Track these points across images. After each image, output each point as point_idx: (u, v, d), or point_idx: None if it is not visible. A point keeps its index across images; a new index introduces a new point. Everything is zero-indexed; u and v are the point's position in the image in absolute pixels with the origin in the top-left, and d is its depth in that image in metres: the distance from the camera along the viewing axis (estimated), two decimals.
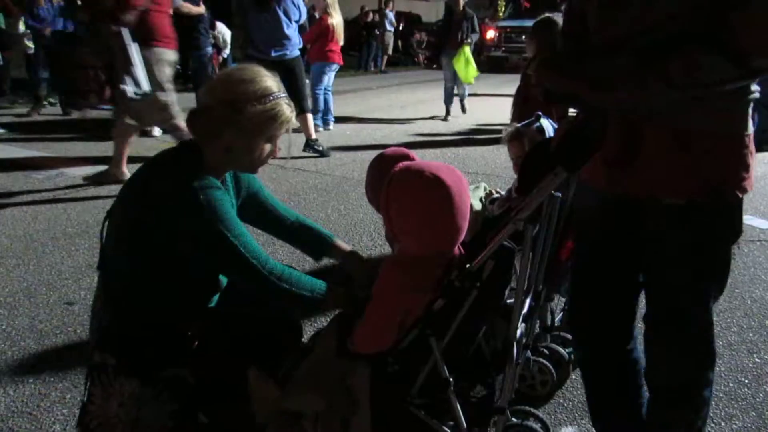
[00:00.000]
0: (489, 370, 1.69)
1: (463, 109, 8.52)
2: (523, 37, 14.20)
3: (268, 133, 1.52)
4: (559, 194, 1.52)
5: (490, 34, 15.72)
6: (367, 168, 1.68)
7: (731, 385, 2.25)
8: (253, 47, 5.73)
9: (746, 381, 2.28)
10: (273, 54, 5.60)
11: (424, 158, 1.63)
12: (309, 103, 6.24)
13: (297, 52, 5.81)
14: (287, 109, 1.53)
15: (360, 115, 8.48)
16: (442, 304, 1.35)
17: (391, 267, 1.45)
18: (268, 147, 1.55)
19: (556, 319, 2.24)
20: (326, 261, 1.94)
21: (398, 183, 1.40)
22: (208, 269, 1.62)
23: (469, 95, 8.79)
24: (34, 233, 3.62)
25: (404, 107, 9.30)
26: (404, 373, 1.43)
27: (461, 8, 7.98)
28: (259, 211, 1.82)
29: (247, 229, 1.53)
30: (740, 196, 1.35)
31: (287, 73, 5.32)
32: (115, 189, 4.50)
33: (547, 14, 3.59)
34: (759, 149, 5.82)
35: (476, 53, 15.26)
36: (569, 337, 2.15)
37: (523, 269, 1.38)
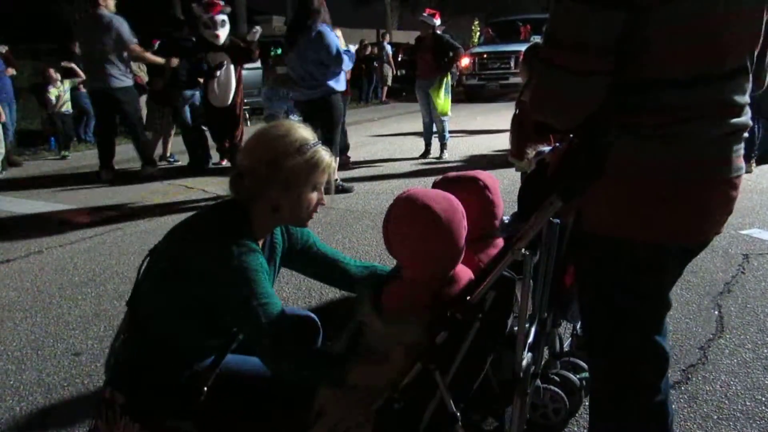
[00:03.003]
0: (498, 401, 1.67)
1: (443, 147, 7.54)
2: (498, 63, 14.08)
3: (312, 182, 1.56)
4: (558, 221, 1.52)
5: (465, 61, 14.48)
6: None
7: (748, 404, 2.20)
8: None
9: (763, 399, 2.23)
10: (303, 94, 5.48)
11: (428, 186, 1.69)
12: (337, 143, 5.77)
13: (328, 91, 5.36)
14: (326, 155, 1.58)
15: (362, 146, 8.54)
16: (445, 337, 1.34)
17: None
18: (314, 196, 1.59)
19: (565, 345, 2.21)
20: None
21: (395, 210, 1.51)
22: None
23: (453, 132, 8.14)
24: (41, 284, 3.64)
25: (406, 137, 9.35)
26: (410, 410, 1.41)
27: (430, 32, 7.27)
28: (316, 263, 1.85)
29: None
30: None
31: (316, 112, 5.29)
32: (119, 239, 4.53)
33: (537, 40, 3.63)
34: (762, 161, 5.77)
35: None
36: (580, 363, 2.13)
37: (524, 298, 1.37)
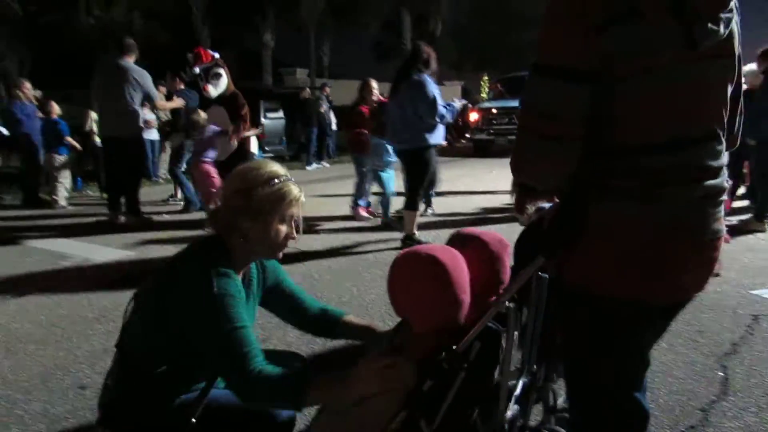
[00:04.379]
0: None
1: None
2: (507, 119, 14.01)
3: (278, 213, 1.62)
4: (546, 276, 1.57)
5: (474, 116, 14.79)
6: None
7: None
8: None
9: None
10: (398, 143, 5.41)
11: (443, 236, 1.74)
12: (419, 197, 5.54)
13: (421, 144, 5.18)
14: (295, 189, 1.65)
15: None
16: (430, 385, 1.38)
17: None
18: (282, 228, 1.64)
19: (560, 401, 2.21)
20: None
21: (399, 264, 1.55)
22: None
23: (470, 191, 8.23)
24: (55, 318, 3.73)
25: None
26: None
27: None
28: (281, 301, 1.91)
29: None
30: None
31: (407, 163, 5.28)
32: (132, 277, 4.64)
33: None
34: None
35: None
36: None
37: (508, 349, 1.41)
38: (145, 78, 6.47)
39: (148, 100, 6.52)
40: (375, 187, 7.04)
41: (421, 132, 5.14)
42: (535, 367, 1.72)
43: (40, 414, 2.57)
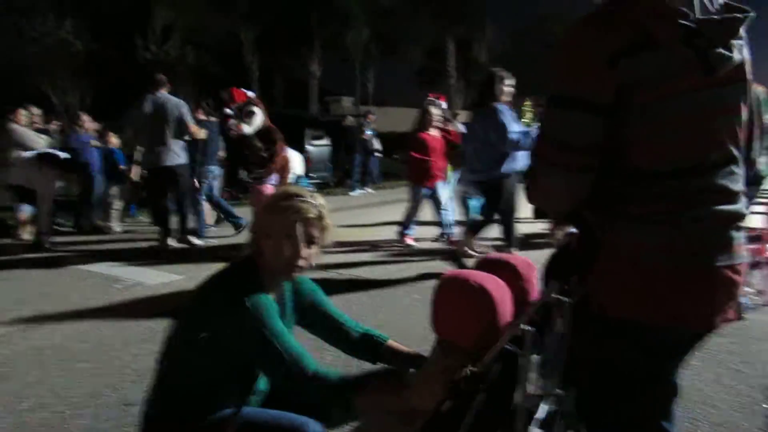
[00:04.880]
0: None
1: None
2: None
3: (287, 229, 1.68)
4: (567, 299, 1.59)
5: None
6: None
7: None
8: None
9: None
10: (475, 175, 5.38)
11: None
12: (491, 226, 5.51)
13: (495, 174, 5.11)
14: (309, 207, 1.70)
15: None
16: (449, 406, 1.42)
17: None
18: (292, 245, 1.68)
19: None
20: None
21: (447, 287, 1.59)
22: (250, 372, 1.77)
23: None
24: (106, 338, 3.91)
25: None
26: None
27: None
28: (321, 322, 1.96)
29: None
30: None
31: (485, 194, 5.27)
32: (183, 299, 4.81)
33: None
34: None
35: None
36: None
37: (523, 372, 1.43)
38: (182, 107, 6.79)
39: (181, 126, 6.76)
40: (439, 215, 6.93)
41: (494, 161, 5.04)
42: (561, 392, 1.73)
43: (87, 429, 2.70)
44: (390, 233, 7.41)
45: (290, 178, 6.53)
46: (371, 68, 35.40)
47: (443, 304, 1.55)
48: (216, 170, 7.90)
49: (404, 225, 6.99)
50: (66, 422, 2.76)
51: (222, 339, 1.65)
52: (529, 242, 6.98)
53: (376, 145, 14.72)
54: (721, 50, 1.20)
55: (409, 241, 7.00)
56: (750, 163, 1.42)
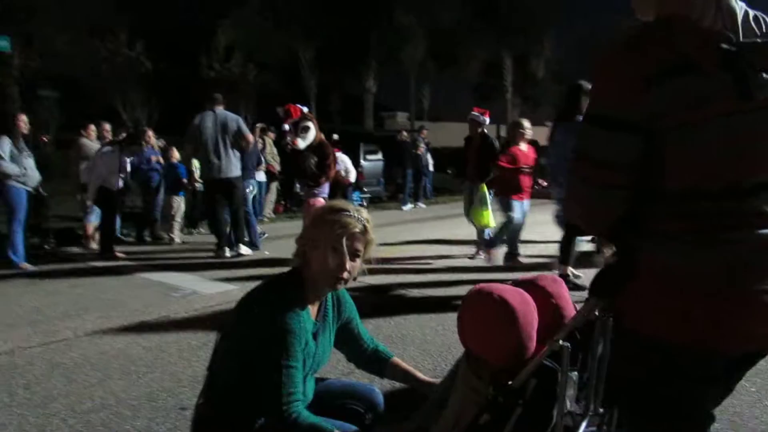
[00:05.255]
0: None
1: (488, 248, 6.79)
2: None
3: (332, 241, 1.75)
4: (608, 317, 1.58)
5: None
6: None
7: None
8: None
9: None
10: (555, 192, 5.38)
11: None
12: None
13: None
14: (353, 221, 1.77)
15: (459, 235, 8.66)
16: (487, 419, 1.44)
17: None
18: (336, 258, 1.76)
19: None
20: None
21: (470, 303, 1.67)
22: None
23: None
24: (164, 344, 4.08)
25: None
26: None
27: (479, 132, 7.03)
28: (347, 336, 2.06)
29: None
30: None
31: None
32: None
33: None
34: None
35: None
36: None
37: (562, 387, 1.43)
38: (238, 120, 7.21)
39: (238, 137, 7.08)
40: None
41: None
42: (601, 410, 1.71)
43: (144, 429, 2.83)
44: (438, 249, 7.43)
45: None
46: (427, 84, 35.60)
47: (467, 316, 1.62)
48: (253, 183, 8.23)
49: (495, 241, 6.74)
50: (125, 423, 2.90)
51: (256, 349, 1.74)
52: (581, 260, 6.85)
53: (429, 160, 14.78)
54: (764, 74, 1.18)
55: (491, 254, 6.75)
56: None
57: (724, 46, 1.16)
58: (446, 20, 31.78)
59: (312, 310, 1.87)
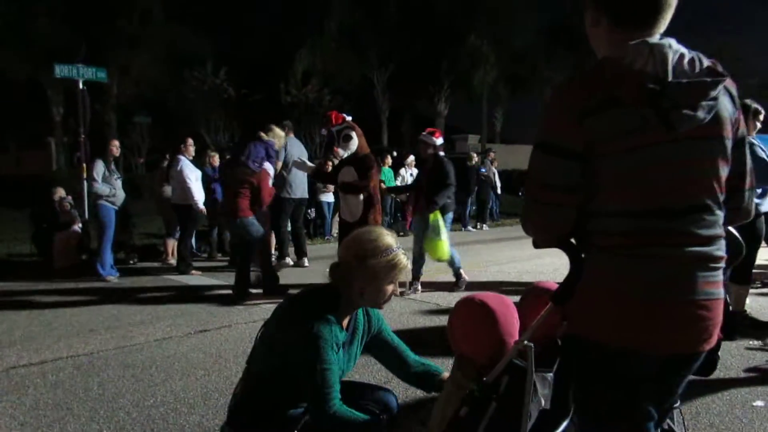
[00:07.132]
0: None
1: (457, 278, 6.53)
2: None
3: (390, 278, 2.01)
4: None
5: None
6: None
7: None
8: None
9: None
10: None
11: None
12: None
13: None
14: (404, 259, 2.02)
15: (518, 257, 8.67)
16: (466, 412, 1.60)
17: None
18: (390, 288, 2.03)
19: None
20: None
21: (458, 309, 1.87)
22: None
23: None
24: (223, 351, 4.43)
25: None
26: None
27: (431, 153, 6.44)
28: (384, 349, 2.26)
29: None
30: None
31: None
32: None
33: None
34: None
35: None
36: None
37: (528, 384, 1.57)
38: (301, 147, 7.99)
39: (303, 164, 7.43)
40: None
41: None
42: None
43: (197, 425, 3.14)
44: (496, 272, 7.46)
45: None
46: (499, 106, 35.46)
47: (454, 321, 1.80)
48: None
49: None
50: (180, 418, 3.22)
51: (288, 351, 1.97)
52: None
53: (497, 182, 14.79)
54: (686, 111, 1.31)
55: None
56: (743, 213, 1.50)
57: (650, 85, 1.31)
58: (520, 44, 31.65)
59: (343, 322, 2.10)
